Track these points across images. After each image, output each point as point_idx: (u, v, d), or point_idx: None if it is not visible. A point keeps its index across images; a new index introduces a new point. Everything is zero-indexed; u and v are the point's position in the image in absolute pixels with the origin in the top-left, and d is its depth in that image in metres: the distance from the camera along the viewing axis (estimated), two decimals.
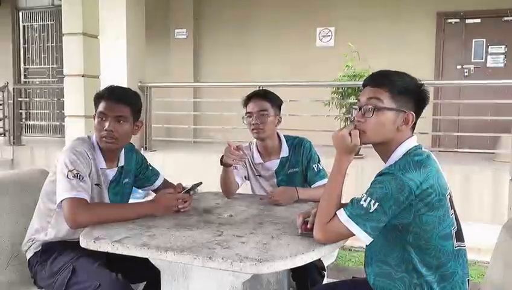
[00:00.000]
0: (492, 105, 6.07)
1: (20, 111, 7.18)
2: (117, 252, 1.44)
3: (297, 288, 2.08)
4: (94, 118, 1.93)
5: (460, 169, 4.50)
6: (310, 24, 7.07)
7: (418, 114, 1.49)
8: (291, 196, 2.10)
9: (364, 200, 1.36)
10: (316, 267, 2.01)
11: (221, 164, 2.16)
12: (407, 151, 1.44)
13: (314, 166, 2.24)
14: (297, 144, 2.31)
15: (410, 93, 1.45)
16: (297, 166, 2.29)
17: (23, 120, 7.55)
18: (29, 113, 8.13)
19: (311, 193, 2.17)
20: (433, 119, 6.30)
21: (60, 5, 4.87)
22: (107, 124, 1.84)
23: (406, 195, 1.32)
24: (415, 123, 1.49)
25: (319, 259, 2.05)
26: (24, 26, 8.53)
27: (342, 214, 1.40)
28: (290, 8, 7.18)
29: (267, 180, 2.35)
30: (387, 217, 1.34)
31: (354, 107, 1.53)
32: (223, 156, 2.14)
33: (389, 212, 1.34)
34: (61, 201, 1.69)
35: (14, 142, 6.66)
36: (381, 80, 1.47)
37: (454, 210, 1.46)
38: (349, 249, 3.96)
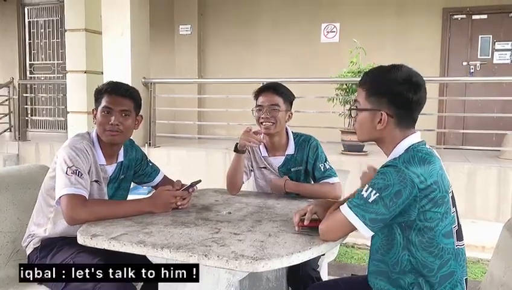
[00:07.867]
0: (498, 102, 6.03)
1: (26, 107, 7.20)
2: (113, 249, 1.44)
3: None
4: (94, 113, 1.93)
5: (466, 166, 4.46)
6: (315, 20, 7.03)
7: (403, 112, 1.43)
8: (280, 186, 2.19)
9: (366, 191, 1.36)
10: (311, 278, 1.94)
11: (235, 150, 2.17)
12: (411, 146, 1.42)
13: (320, 165, 2.21)
14: (303, 142, 2.27)
15: (382, 93, 1.43)
16: (302, 164, 2.25)
17: (29, 116, 7.58)
18: (35, 108, 8.16)
19: (299, 186, 2.20)
20: (438, 116, 6.27)
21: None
22: (112, 118, 1.85)
23: (408, 189, 1.31)
24: (414, 120, 1.47)
25: (315, 270, 2.00)
26: (29, 22, 8.55)
27: (343, 205, 1.41)
28: (294, 3, 7.14)
29: (271, 174, 2.30)
30: (387, 210, 1.33)
31: (352, 108, 1.55)
32: (237, 143, 2.14)
33: (389, 205, 1.32)
34: (60, 197, 1.70)
35: (19, 138, 6.69)
36: (363, 79, 1.50)
37: (456, 209, 1.45)
38: (352, 246, 3.95)
